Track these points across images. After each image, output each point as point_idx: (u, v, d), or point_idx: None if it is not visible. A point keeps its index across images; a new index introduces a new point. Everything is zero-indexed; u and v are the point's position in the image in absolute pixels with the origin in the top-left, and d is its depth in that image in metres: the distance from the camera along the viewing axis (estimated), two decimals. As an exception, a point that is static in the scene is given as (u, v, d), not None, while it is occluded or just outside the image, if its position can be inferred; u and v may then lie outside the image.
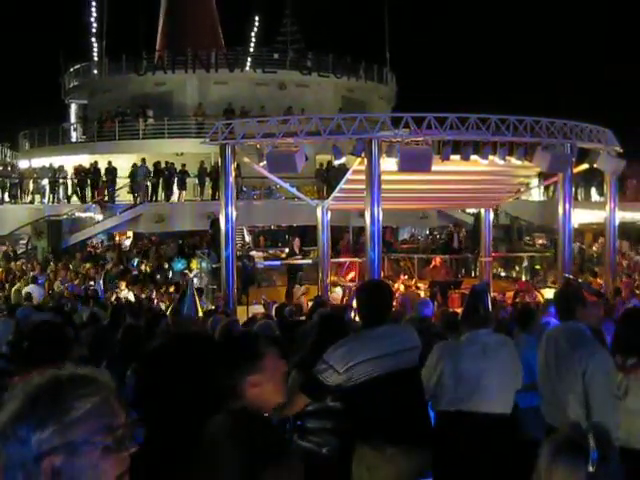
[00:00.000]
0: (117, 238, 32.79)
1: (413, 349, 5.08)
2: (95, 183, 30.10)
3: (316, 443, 5.25)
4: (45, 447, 1.97)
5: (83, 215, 29.41)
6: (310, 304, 13.84)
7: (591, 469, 2.41)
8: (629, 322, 5.39)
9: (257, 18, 45.76)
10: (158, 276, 22.33)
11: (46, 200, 30.39)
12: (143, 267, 24.49)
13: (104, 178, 29.99)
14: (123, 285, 19.39)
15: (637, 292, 17.43)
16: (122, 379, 4.94)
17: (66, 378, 2.07)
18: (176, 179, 29.98)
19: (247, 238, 29.65)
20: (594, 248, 26.69)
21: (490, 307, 5.51)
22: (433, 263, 20.79)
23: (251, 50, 41.04)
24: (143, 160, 30.09)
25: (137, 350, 6.95)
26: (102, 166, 30.34)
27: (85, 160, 32.23)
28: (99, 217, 29.44)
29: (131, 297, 18.06)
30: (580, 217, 25.36)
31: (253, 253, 23.78)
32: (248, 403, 3.41)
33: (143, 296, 18.36)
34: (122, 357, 7.02)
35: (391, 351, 4.91)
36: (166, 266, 23.84)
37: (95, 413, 2.03)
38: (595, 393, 4.88)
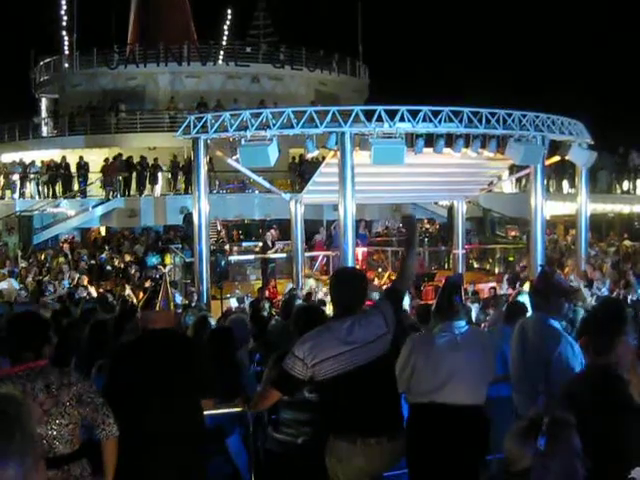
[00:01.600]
0: (92, 234, 32.59)
1: (382, 336, 5.00)
2: (66, 178, 29.84)
3: (291, 434, 5.23)
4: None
5: (55, 210, 29.16)
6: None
7: (540, 447, 2.56)
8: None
9: (230, 11, 45.57)
10: (133, 271, 22.17)
11: (17, 195, 30.10)
12: (116, 262, 24.31)
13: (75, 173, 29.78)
14: (85, 281, 19.26)
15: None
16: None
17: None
18: (148, 173, 29.81)
19: (221, 232, 29.53)
20: (569, 239, 26.88)
21: (463, 299, 5.52)
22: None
23: (224, 43, 40.84)
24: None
25: (105, 346, 6.90)
26: (73, 161, 30.10)
27: (56, 155, 31.95)
28: (71, 212, 29.21)
29: (94, 293, 17.91)
30: (552, 209, 25.55)
31: (227, 247, 23.72)
32: None
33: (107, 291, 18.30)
34: (90, 354, 6.96)
35: (359, 344, 4.84)
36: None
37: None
38: (557, 383, 4.91)
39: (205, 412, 5.25)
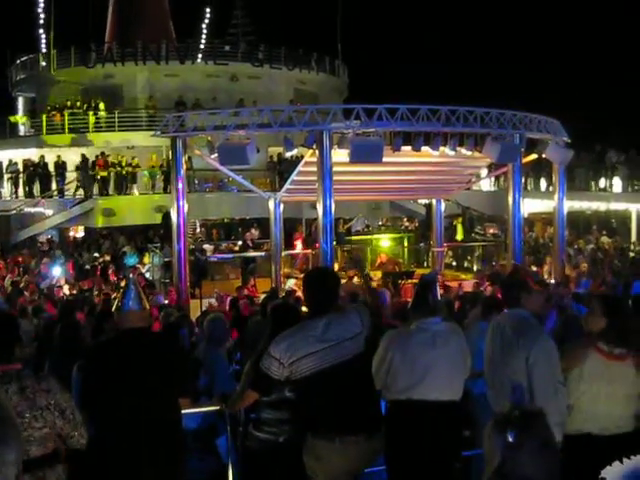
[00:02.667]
0: (71, 233, 32.42)
1: (357, 335, 5.06)
2: (44, 177, 29.66)
3: (272, 433, 5.26)
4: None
5: (32, 210, 28.98)
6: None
7: (510, 440, 2.63)
8: (615, 313, 5.39)
9: (208, 10, 45.39)
10: (110, 271, 22.10)
11: (-6, 195, 29.93)
12: (96, 262, 24.21)
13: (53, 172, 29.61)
14: (62, 281, 19.18)
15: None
16: (66, 377, 4.87)
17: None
18: (127, 173, 29.71)
19: (197, 230, 29.48)
20: (546, 236, 27.06)
21: (439, 296, 5.57)
22: (379, 260, 20.79)
23: (202, 42, 40.72)
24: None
25: (77, 347, 6.88)
26: (51, 160, 29.93)
27: (34, 154, 31.76)
28: (49, 212, 29.03)
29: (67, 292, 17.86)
30: (530, 207, 25.73)
31: (206, 246, 23.69)
32: None
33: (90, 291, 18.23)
34: (62, 355, 6.94)
35: (335, 342, 4.90)
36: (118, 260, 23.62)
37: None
38: (538, 379, 4.95)
39: (187, 411, 5.27)
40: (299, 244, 21.65)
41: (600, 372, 5.21)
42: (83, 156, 29.76)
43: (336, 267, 17.62)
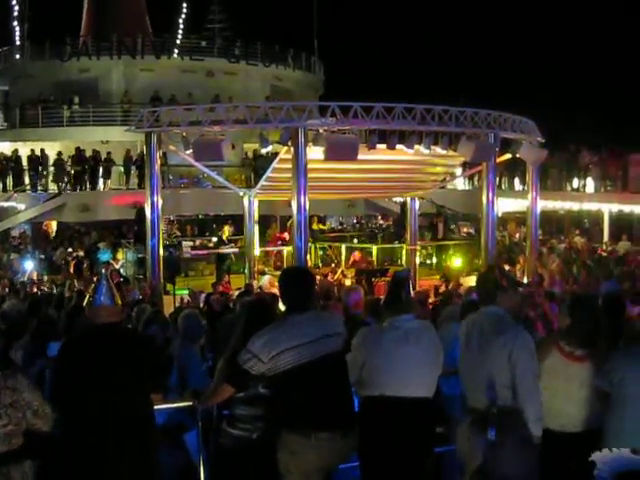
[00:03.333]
0: (44, 228, 32.17)
1: (337, 335, 5.13)
2: (17, 171, 29.40)
3: (246, 430, 5.26)
4: None
5: (5, 204, 28.71)
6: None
7: (490, 437, 2.61)
8: (576, 313, 5.44)
9: (185, 5, 45.24)
10: (85, 266, 21.97)
11: (-34, 189, 29.60)
12: (69, 258, 24.06)
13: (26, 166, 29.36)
14: (35, 275, 19.08)
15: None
16: (39, 374, 4.86)
17: None
18: (101, 167, 29.53)
19: (172, 227, 29.36)
20: (519, 236, 27.24)
21: (412, 293, 5.59)
22: (352, 258, 20.84)
23: (179, 37, 40.55)
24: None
25: (50, 340, 6.85)
26: (24, 154, 29.68)
27: (7, 148, 31.46)
28: (22, 206, 28.78)
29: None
30: (504, 206, 25.87)
31: (184, 243, 23.61)
32: None
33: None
34: (34, 351, 6.90)
35: (314, 337, 4.96)
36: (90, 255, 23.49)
37: None
38: (521, 375, 4.97)
39: (156, 407, 5.26)
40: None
41: (559, 370, 5.28)
42: (59, 153, 29.52)
43: (310, 264, 17.66)
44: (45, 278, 21.19)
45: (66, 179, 29.08)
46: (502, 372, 5.01)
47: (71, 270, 21.56)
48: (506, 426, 2.70)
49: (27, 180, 29.74)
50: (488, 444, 2.68)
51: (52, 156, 29.51)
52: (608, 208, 27.64)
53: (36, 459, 4.56)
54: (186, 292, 16.11)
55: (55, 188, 29.36)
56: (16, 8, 39.88)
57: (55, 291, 17.18)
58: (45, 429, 4.52)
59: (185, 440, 6.36)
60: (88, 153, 29.52)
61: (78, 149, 29.52)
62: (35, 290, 16.98)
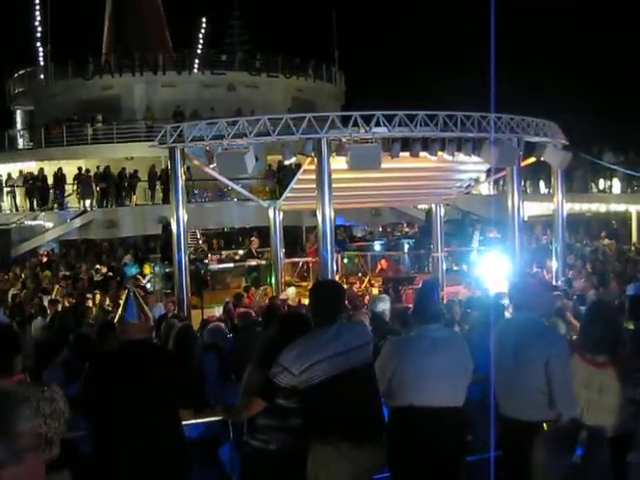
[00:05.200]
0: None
1: (366, 345, 5.13)
2: (43, 190, 29.71)
3: (263, 440, 5.25)
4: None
5: (32, 223, 28.99)
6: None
7: (575, 460, 2.46)
8: (596, 319, 5.41)
9: (204, 20, 45.50)
10: (113, 282, 22.05)
11: (-7, 209, 29.95)
12: (100, 273, 24.19)
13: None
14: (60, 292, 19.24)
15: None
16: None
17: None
18: (126, 184, 29.76)
19: (200, 241, 29.48)
20: (544, 239, 27.05)
21: (440, 302, 5.56)
22: (379, 266, 20.78)
23: (199, 52, 40.81)
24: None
25: (88, 358, 6.88)
26: (50, 173, 29.98)
27: (33, 167, 31.79)
28: (49, 225, 29.05)
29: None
30: (529, 210, 25.72)
31: (208, 257, 23.66)
32: None
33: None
34: (73, 365, 6.94)
35: (344, 349, 4.95)
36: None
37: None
38: (559, 381, 4.94)
39: (191, 421, 5.27)
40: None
41: (580, 376, 5.22)
42: (80, 169, 29.76)
43: (338, 274, 17.62)
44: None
45: (91, 196, 29.31)
46: (539, 379, 4.97)
47: (99, 287, 21.60)
48: (592, 451, 2.56)
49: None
50: (571, 465, 2.52)
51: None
52: (635, 209, 27.41)
53: (72, 471, 4.62)
54: (215, 308, 16.15)
55: (78, 206, 29.61)
56: (39, 29, 40.32)
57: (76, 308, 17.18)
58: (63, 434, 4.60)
59: (219, 454, 6.37)
60: (113, 170, 29.75)
61: (106, 167, 29.76)
62: (60, 308, 17.02)
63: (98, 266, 25.54)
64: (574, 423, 2.74)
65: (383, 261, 21.09)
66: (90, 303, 18.42)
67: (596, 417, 5.12)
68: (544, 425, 4.97)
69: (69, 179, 30.06)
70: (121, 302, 5.22)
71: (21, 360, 4.55)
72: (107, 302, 18.47)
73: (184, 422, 5.18)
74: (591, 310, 5.62)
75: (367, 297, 16.91)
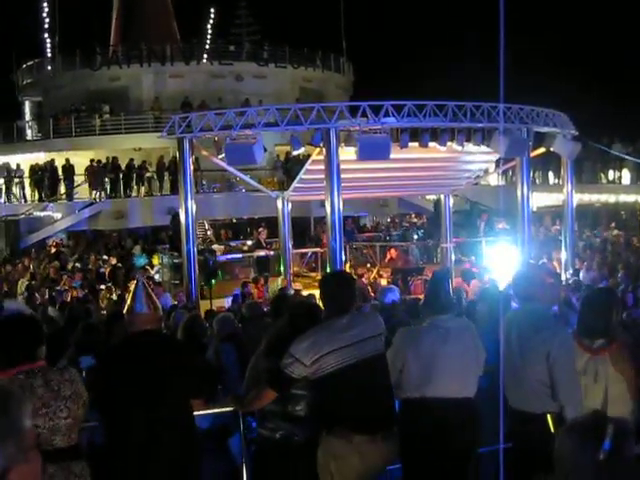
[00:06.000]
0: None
1: (378, 336, 5.10)
2: (52, 181, 29.75)
3: (270, 429, 5.25)
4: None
5: (41, 214, 29.05)
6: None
7: (601, 457, 2.42)
8: (591, 305, 5.44)
9: (212, 10, 45.44)
10: (122, 272, 22.10)
11: (2, 200, 29.96)
12: (109, 263, 24.23)
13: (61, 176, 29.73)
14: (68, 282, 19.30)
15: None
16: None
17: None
18: (135, 175, 29.78)
19: (209, 232, 29.50)
20: (553, 230, 26.98)
21: (451, 292, 5.53)
22: (389, 255, 20.78)
23: (207, 42, 40.74)
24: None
25: (95, 349, 6.89)
26: (59, 164, 30.01)
27: (41, 158, 31.83)
28: (58, 215, 29.10)
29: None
30: (538, 200, 25.64)
31: (215, 247, 23.66)
32: None
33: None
34: (79, 356, 6.95)
35: (356, 340, 4.93)
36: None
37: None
38: (560, 373, 4.92)
39: (200, 412, 5.27)
40: None
41: (579, 364, 5.19)
42: (92, 160, 29.79)
43: (346, 265, 17.61)
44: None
45: (101, 187, 29.37)
46: (541, 371, 4.96)
47: (108, 277, 21.65)
48: (619, 446, 2.51)
49: (62, 189, 30.07)
50: (597, 457, 2.47)
51: (87, 165, 29.81)
52: (645, 199, 27.32)
53: (88, 459, 4.68)
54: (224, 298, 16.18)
55: (87, 197, 29.66)
56: (46, 20, 40.33)
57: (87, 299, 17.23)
58: (82, 419, 4.69)
59: (230, 444, 6.37)
60: (121, 161, 29.78)
61: (114, 158, 29.78)
62: (69, 298, 17.07)
63: (106, 257, 25.62)
64: (598, 415, 2.69)
65: (392, 250, 21.09)
66: (99, 294, 18.45)
67: (592, 404, 5.10)
68: (548, 417, 4.97)
69: (78, 170, 30.07)
70: (130, 293, 5.21)
71: (44, 349, 4.60)
72: (116, 293, 18.50)
73: (195, 413, 5.17)
74: (588, 297, 5.64)
75: (375, 288, 16.90)
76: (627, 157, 26.61)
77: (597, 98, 41.01)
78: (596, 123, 31.47)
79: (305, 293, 15.33)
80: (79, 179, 30.01)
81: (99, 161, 29.73)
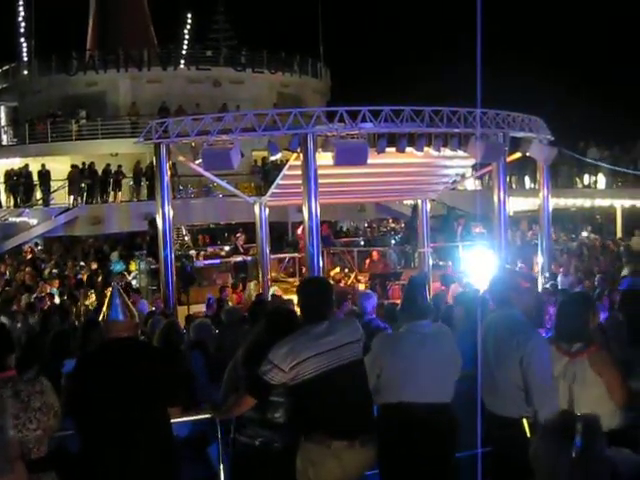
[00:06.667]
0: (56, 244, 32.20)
1: (357, 342, 5.10)
2: (27, 187, 29.53)
3: (249, 436, 5.24)
4: None
5: (17, 220, 28.82)
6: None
7: (574, 455, 2.44)
8: (567, 309, 5.48)
9: (189, 15, 45.40)
10: (99, 278, 21.97)
11: (-23, 205, 29.74)
12: (85, 270, 24.09)
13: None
14: (48, 289, 19.18)
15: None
16: (55, 386, 4.88)
17: None
18: (111, 180, 29.63)
19: (186, 237, 29.41)
20: (529, 235, 27.13)
21: (428, 298, 5.55)
22: (370, 258, 20.83)
23: (184, 48, 40.67)
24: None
25: (67, 356, 6.84)
26: (34, 169, 29.81)
27: (17, 163, 31.61)
28: (34, 221, 28.88)
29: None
30: (515, 205, 25.77)
31: (192, 252, 23.58)
32: None
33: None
34: (52, 364, 6.89)
35: (335, 346, 4.93)
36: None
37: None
38: (533, 377, 4.94)
39: (178, 420, 5.24)
40: None
41: (558, 369, 5.22)
42: (74, 166, 29.60)
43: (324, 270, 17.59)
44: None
45: (77, 193, 29.20)
46: (516, 375, 4.99)
47: (85, 284, 21.52)
48: (589, 443, 2.53)
49: (38, 195, 29.86)
50: (571, 462, 2.49)
51: (63, 170, 29.63)
52: (620, 204, 27.53)
53: (60, 470, 4.62)
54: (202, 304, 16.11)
55: (63, 202, 29.48)
56: (22, 24, 40.07)
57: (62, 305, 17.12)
58: (56, 430, 4.63)
59: (208, 452, 6.34)
60: (98, 166, 29.62)
61: (91, 163, 29.62)
62: (48, 304, 16.95)
63: (83, 263, 25.46)
64: (566, 415, 2.71)
65: (374, 253, 21.12)
66: (77, 300, 18.34)
67: (572, 408, 5.13)
68: (524, 421, 4.99)
69: (54, 175, 29.88)
70: (106, 300, 5.19)
71: (14, 358, 4.58)
72: (92, 299, 18.39)
73: (172, 420, 5.14)
74: (564, 302, 5.68)
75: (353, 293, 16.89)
76: (600, 164, 26.81)
77: (574, 102, 41.34)
78: (572, 127, 31.75)
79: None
80: (55, 184, 29.80)
81: (78, 166, 29.55)
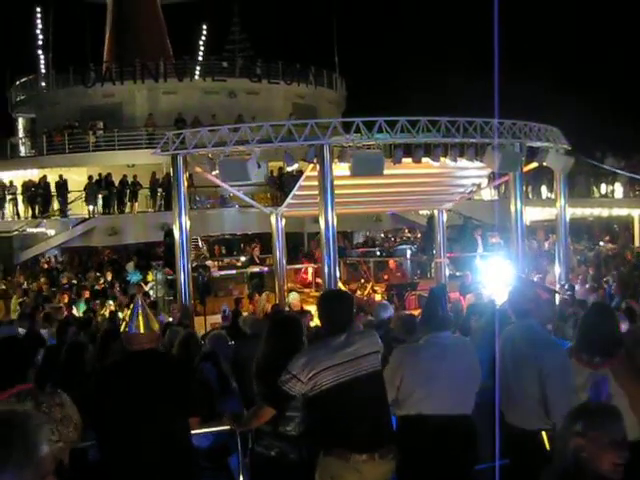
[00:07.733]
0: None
1: (375, 353, 5.09)
2: (45, 198, 29.73)
3: (264, 447, 5.25)
4: None
5: (35, 230, 29.00)
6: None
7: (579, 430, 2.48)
8: (590, 321, 5.42)
9: (205, 26, 45.59)
10: (117, 289, 22.06)
11: (-5, 216, 29.94)
12: (100, 281, 24.19)
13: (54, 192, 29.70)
14: (65, 300, 19.26)
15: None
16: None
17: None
18: (128, 191, 29.77)
19: (202, 248, 29.46)
20: (546, 245, 27.05)
21: (448, 309, 5.54)
22: (388, 267, 20.82)
23: (200, 59, 40.85)
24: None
25: (82, 369, 6.83)
26: (52, 180, 29.99)
27: (35, 175, 31.82)
28: (51, 232, 29.05)
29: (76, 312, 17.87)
30: (532, 215, 25.70)
31: (209, 263, 23.61)
32: None
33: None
34: (66, 377, 6.87)
35: (353, 357, 4.93)
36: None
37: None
38: (552, 390, 4.92)
39: (200, 431, 5.26)
40: None
41: (580, 380, 5.19)
42: (90, 177, 29.77)
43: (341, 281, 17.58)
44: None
45: (93, 203, 29.35)
46: (534, 387, 4.96)
47: (102, 294, 21.59)
48: (596, 421, 2.59)
49: (56, 206, 30.03)
50: (576, 434, 2.57)
51: (80, 181, 29.79)
52: (638, 213, 27.42)
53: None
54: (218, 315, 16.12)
55: (80, 213, 29.64)
56: (40, 37, 40.39)
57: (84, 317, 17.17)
58: (76, 442, 4.67)
59: (228, 463, 6.35)
60: (115, 177, 29.78)
61: (108, 174, 29.78)
62: (65, 314, 17.00)
63: (99, 274, 25.56)
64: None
65: (391, 261, 21.11)
66: (96, 311, 18.41)
67: None
68: (543, 434, 4.96)
69: (71, 187, 30.05)
70: (128, 312, 5.22)
71: (33, 372, 4.65)
72: (109, 310, 18.44)
73: (195, 432, 5.16)
74: (588, 313, 5.62)
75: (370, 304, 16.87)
76: (618, 171, 26.72)
77: (591, 111, 41.19)
78: (589, 137, 31.63)
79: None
80: (73, 195, 29.96)
81: (90, 177, 29.72)
